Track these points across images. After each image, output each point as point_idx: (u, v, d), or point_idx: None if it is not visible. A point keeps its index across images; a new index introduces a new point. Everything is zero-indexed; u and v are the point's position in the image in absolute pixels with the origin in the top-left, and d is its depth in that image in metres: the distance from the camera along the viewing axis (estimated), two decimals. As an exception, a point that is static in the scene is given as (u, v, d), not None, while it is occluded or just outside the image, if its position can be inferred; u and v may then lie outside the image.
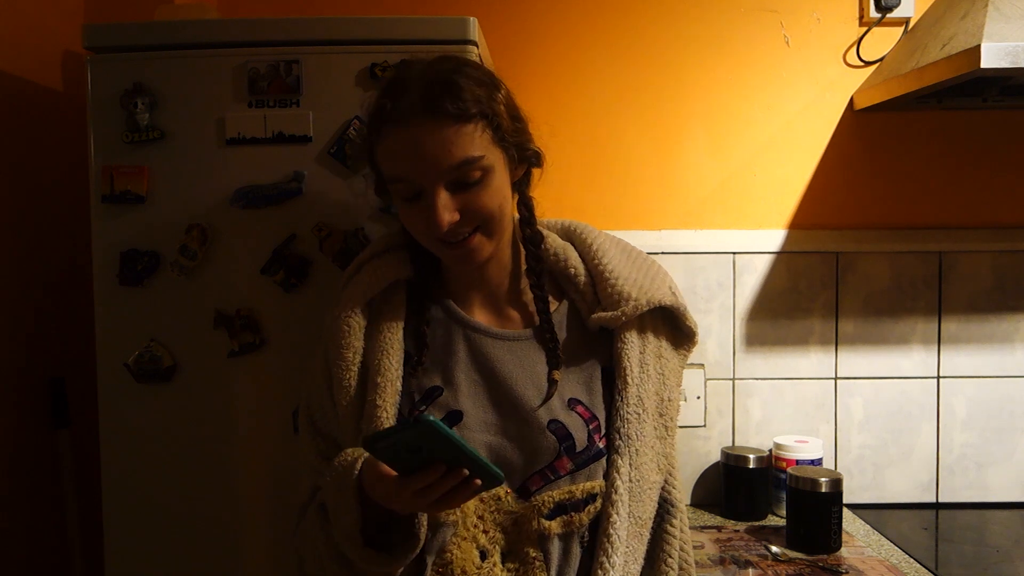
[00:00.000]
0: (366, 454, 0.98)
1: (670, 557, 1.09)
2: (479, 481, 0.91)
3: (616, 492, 1.03)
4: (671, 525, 1.10)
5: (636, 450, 1.04)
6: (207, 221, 1.36)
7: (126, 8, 1.68)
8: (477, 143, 1.00)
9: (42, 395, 1.63)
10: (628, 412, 1.05)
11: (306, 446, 1.13)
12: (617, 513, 1.02)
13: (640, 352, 1.08)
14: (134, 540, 1.38)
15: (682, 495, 1.13)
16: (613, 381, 1.08)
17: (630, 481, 1.04)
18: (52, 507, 1.64)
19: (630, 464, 1.04)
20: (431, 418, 0.83)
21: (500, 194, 1.03)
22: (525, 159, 1.08)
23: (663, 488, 1.10)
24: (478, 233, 1.03)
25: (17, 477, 1.57)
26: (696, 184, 1.85)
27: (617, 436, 1.05)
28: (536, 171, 1.13)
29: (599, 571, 1.01)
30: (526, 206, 1.13)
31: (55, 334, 1.68)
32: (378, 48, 1.35)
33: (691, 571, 1.13)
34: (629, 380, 1.06)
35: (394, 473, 0.92)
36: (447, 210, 0.99)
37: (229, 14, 1.75)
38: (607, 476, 1.04)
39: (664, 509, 1.10)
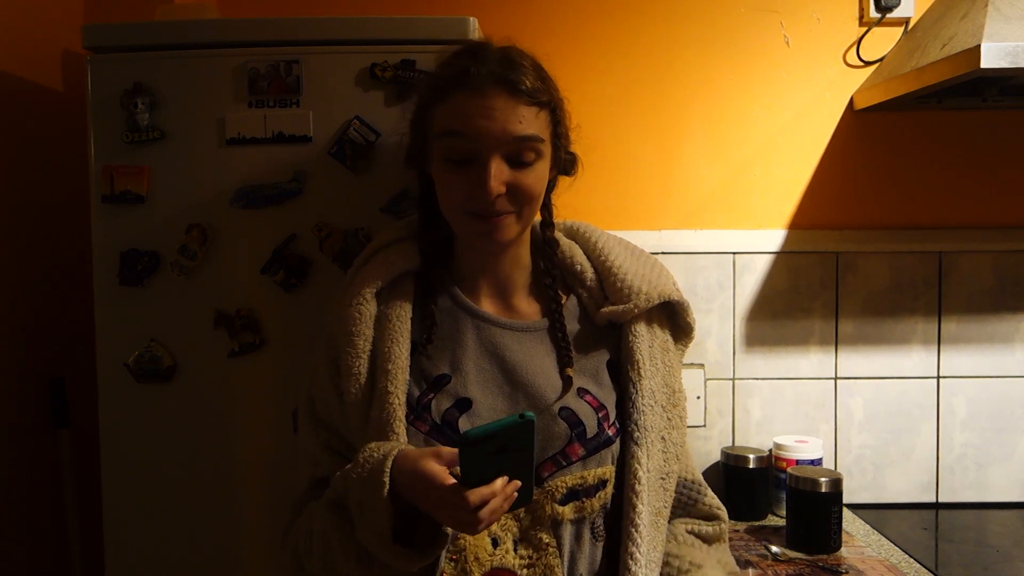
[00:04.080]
0: (395, 451, 0.96)
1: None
2: (516, 496, 0.92)
3: (639, 483, 1.05)
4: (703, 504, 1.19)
5: (652, 441, 1.07)
6: (207, 221, 1.36)
7: (126, 8, 1.68)
8: (541, 126, 1.05)
9: (42, 395, 1.63)
10: (643, 404, 1.08)
11: (306, 437, 1.13)
12: (642, 503, 1.04)
13: (649, 345, 1.12)
14: (134, 540, 1.38)
15: (712, 494, 1.21)
16: (619, 373, 1.11)
17: (648, 471, 1.06)
18: (52, 507, 1.64)
19: (647, 455, 1.06)
20: (532, 416, 0.86)
21: (542, 183, 1.08)
22: (561, 163, 1.13)
23: (684, 477, 1.15)
24: (511, 214, 1.06)
25: (17, 477, 1.57)
26: (696, 184, 1.85)
27: (636, 428, 1.07)
28: (564, 179, 1.17)
29: (628, 560, 1.03)
30: (547, 210, 1.17)
31: (55, 334, 1.68)
32: (378, 48, 1.35)
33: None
34: (642, 372, 1.09)
35: (448, 481, 0.90)
36: (497, 180, 1.02)
37: (229, 14, 1.75)
38: (628, 468, 1.06)
39: (694, 490, 1.17)
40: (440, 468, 0.91)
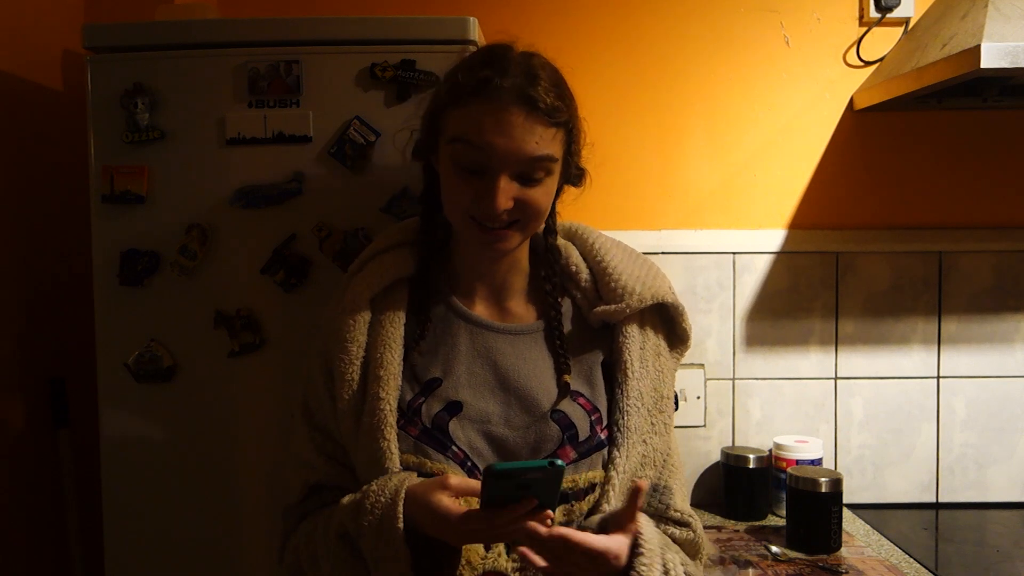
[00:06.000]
0: (402, 494, 0.96)
1: None
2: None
3: (611, 485, 1.04)
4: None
5: (632, 443, 1.06)
6: (207, 221, 1.37)
7: (126, 8, 1.68)
8: (555, 146, 1.04)
9: (42, 395, 1.63)
10: (628, 405, 1.07)
11: (300, 439, 1.13)
12: (610, 504, 1.03)
13: (640, 347, 1.11)
14: (134, 540, 1.38)
15: (682, 502, 1.12)
16: (613, 375, 1.10)
17: (624, 472, 1.05)
18: (52, 507, 1.64)
19: (626, 456, 1.05)
20: (563, 464, 0.87)
21: (549, 198, 1.07)
22: (570, 176, 1.12)
23: (655, 483, 1.10)
24: (515, 227, 1.05)
25: (17, 477, 1.57)
26: (696, 184, 1.85)
27: (616, 428, 1.07)
28: (571, 190, 1.16)
29: None
30: (551, 217, 1.16)
31: (55, 334, 1.68)
32: (378, 48, 1.35)
33: None
34: (630, 374, 1.09)
35: (459, 510, 0.92)
36: (505, 196, 1.01)
37: (229, 14, 1.75)
38: (605, 467, 1.06)
39: (666, 495, 1.10)
40: (451, 502, 0.93)
